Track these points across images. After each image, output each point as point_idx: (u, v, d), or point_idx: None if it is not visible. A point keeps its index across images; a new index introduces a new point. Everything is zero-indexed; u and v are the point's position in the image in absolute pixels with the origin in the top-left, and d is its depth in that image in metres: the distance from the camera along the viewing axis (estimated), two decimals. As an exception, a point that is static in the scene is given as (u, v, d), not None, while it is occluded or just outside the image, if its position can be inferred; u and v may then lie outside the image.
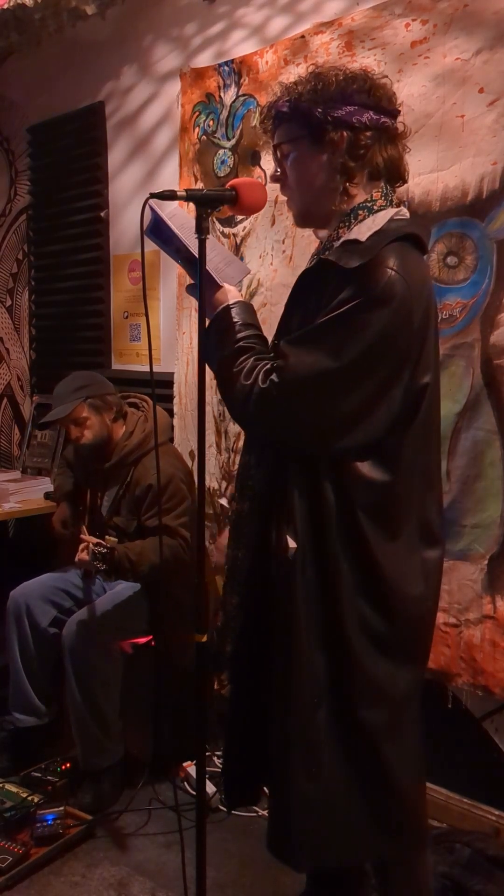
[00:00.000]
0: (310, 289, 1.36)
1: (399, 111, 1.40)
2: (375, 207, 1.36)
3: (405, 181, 1.44)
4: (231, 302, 1.42)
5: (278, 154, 1.43)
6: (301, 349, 1.29)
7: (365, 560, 1.30)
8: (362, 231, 1.32)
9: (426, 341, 1.31)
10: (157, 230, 1.48)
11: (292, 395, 1.29)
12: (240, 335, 1.37)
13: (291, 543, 1.32)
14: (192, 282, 1.46)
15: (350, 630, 1.31)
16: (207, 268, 1.41)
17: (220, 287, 1.44)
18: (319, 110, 1.32)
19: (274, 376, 1.29)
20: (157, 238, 1.49)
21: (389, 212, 1.35)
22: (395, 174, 1.40)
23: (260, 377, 1.30)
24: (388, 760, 1.35)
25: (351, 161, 1.34)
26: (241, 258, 2.56)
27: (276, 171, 1.45)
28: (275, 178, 1.45)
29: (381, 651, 1.33)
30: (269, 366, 1.31)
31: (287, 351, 1.31)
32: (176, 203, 1.42)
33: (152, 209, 1.45)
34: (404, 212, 1.40)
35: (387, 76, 1.40)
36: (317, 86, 1.34)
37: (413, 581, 1.35)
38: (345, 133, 1.32)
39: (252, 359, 1.33)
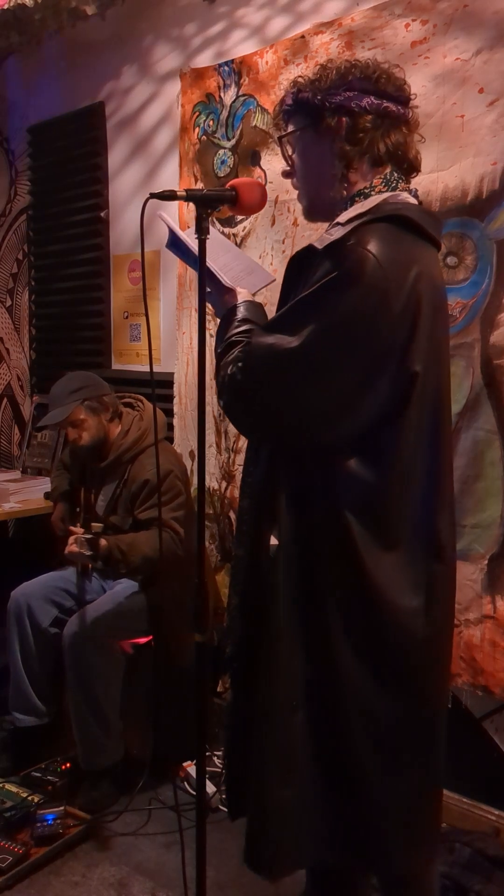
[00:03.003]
0: (297, 275, 1.33)
1: (409, 98, 1.34)
2: (373, 194, 1.30)
3: (417, 170, 1.37)
4: (238, 302, 1.41)
5: (288, 149, 1.41)
6: (266, 333, 1.26)
7: (352, 564, 1.23)
8: (348, 214, 1.27)
9: (416, 328, 1.22)
10: (176, 243, 1.48)
11: (255, 379, 1.25)
12: (233, 331, 1.35)
13: (273, 541, 1.29)
14: (209, 290, 1.46)
15: (333, 636, 1.24)
16: (225, 278, 1.42)
17: (231, 290, 1.43)
18: (318, 98, 1.31)
19: (240, 362, 1.26)
20: (176, 250, 1.50)
21: (382, 196, 1.30)
22: (404, 161, 1.34)
23: (231, 365, 1.28)
24: (366, 774, 1.28)
25: (348, 145, 1.30)
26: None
27: (286, 165, 1.44)
28: (285, 174, 1.44)
29: (363, 662, 1.25)
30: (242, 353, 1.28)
31: (254, 336, 1.28)
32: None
33: (167, 224, 1.46)
34: (403, 196, 1.32)
35: (399, 66, 1.37)
36: (319, 76, 1.33)
37: (406, 592, 1.25)
38: (343, 119, 1.30)
39: (237, 351, 1.30)
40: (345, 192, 1.34)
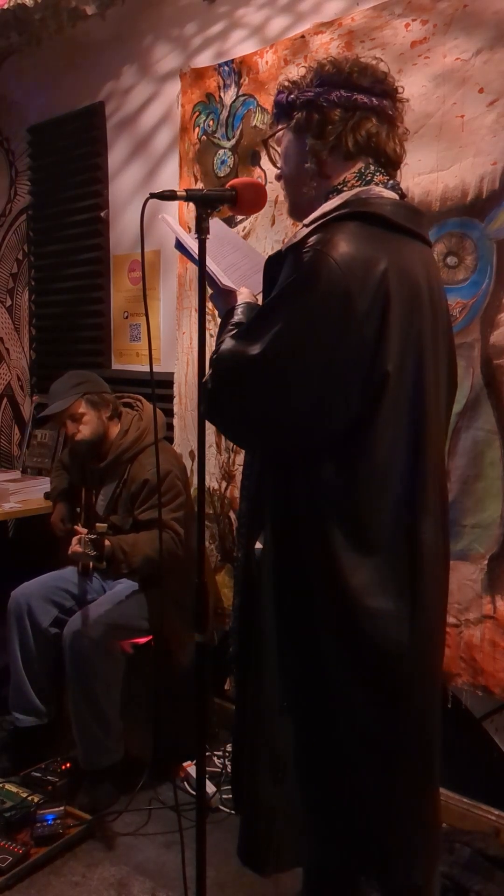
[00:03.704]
0: (271, 279, 1.30)
1: (388, 90, 1.32)
2: (345, 189, 1.28)
3: (397, 163, 1.34)
4: (238, 303, 1.41)
5: (276, 152, 1.42)
6: (235, 340, 1.25)
7: (330, 568, 1.21)
8: (314, 214, 1.24)
9: (387, 326, 1.17)
10: (183, 245, 1.49)
11: (223, 388, 1.25)
12: (224, 335, 1.34)
13: (258, 545, 1.29)
14: (211, 291, 1.46)
15: (315, 640, 1.24)
16: (226, 279, 1.42)
17: (231, 292, 1.43)
18: (291, 97, 1.32)
19: (210, 369, 1.26)
20: (184, 251, 1.51)
21: (353, 191, 1.26)
22: (380, 154, 1.31)
23: (207, 372, 1.28)
24: (356, 778, 1.27)
25: (316, 140, 1.29)
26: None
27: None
28: (277, 177, 1.44)
29: (346, 668, 1.24)
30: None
31: (224, 343, 1.27)
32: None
33: (170, 227, 1.46)
34: (376, 190, 1.27)
35: (381, 59, 1.35)
36: (300, 77, 1.33)
37: (387, 596, 1.22)
38: (313, 115, 1.29)
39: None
40: (320, 190, 1.32)
